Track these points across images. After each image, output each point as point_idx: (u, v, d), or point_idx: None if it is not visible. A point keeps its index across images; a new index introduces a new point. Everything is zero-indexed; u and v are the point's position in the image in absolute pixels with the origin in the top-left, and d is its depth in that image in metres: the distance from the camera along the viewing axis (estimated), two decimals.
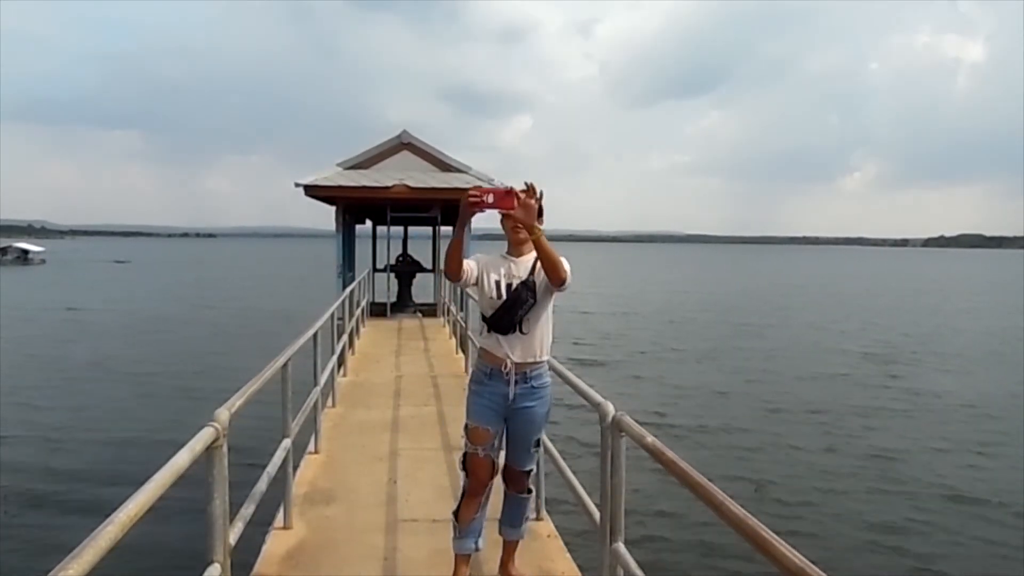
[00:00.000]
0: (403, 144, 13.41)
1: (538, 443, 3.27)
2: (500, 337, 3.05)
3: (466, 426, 3.15)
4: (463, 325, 9.60)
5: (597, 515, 2.76)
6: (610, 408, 2.58)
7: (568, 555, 3.73)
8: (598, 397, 2.72)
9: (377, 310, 14.72)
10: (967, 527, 8.16)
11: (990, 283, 63.06)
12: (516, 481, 3.29)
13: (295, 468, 4.57)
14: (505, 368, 3.04)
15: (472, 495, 3.18)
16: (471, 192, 2.75)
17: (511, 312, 3.01)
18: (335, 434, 6.05)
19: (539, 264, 2.98)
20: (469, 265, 3.04)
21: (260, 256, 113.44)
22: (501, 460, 3.23)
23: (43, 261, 70.89)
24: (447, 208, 13.78)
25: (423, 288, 16.50)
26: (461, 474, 3.23)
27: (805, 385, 16.20)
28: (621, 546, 2.50)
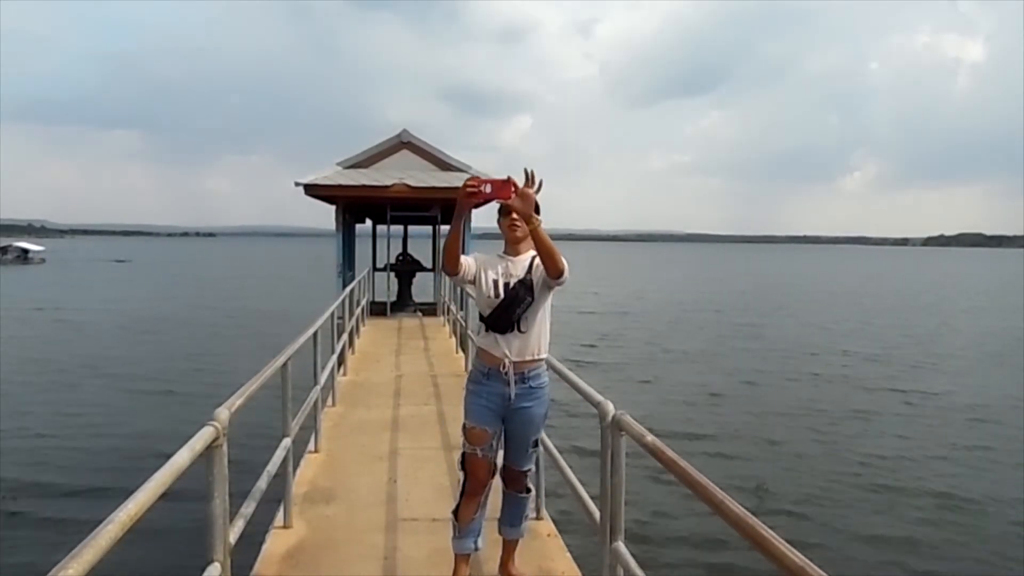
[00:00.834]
0: (403, 143, 13.41)
1: (536, 443, 3.27)
2: (498, 336, 3.04)
3: (464, 426, 3.15)
4: (463, 324, 9.60)
5: (597, 514, 2.76)
6: (610, 407, 2.57)
7: (568, 554, 3.73)
8: (598, 396, 2.72)
9: (377, 309, 14.73)
10: (966, 527, 8.16)
11: (990, 283, 63.05)
12: (515, 481, 3.29)
13: (295, 467, 4.57)
14: (504, 368, 3.03)
15: (471, 495, 3.18)
16: (468, 183, 2.73)
17: (509, 311, 3.01)
18: (335, 433, 6.05)
19: (536, 262, 2.98)
20: (467, 261, 3.04)
21: (260, 256, 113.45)
22: (500, 460, 3.23)
23: (43, 260, 70.90)
24: (447, 207, 13.77)
25: (423, 287, 16.50)
26: (460, 474, 3.23)
27: (805, 385, 16.20)
28: (621, 545, 2.50)
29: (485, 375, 3.09)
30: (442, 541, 3.73)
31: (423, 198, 12.47)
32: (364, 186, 12.03)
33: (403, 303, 15.22)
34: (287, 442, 3.88)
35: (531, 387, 3.08)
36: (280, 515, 4.05)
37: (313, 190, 11.84)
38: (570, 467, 3.58)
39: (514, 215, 2.97)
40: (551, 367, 3.26)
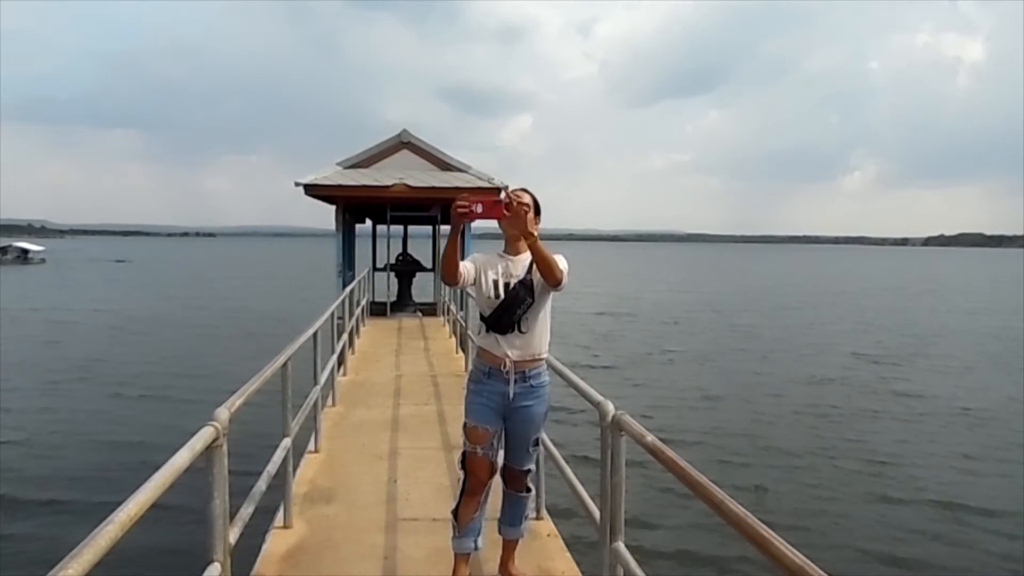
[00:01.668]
0: (403, 143, 13.41)
1: (537, 442, 3.27)
2: (499, 337, 3.04)
3: (465, 425, 3.15)
4: (463, 324, 9.59)
5: (597, 514, 2.76)
6: (610, 407, 2.58)
7: (568, 554, 3.73)
8: (598, 396, 2.72)
9: (377, 309, 14.73)
10: (966, 527, 8.16)
11: (990, 282, 63.03)
12: (515, 480, 3.29)
13: (295, 467, 4.57)
14: (504, 367, 3.04)
15: (471, 494, 3.18)
16: (459, 203, 2.72)
17: (509, 311, 3.01)
18: (335, 433, 6.05)
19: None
20: (466, 267, 3.04)
21: (260, 256, 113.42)
22: (500, 459, 3.23)
23: (43, 260, 70.90)
24: (447, 207, 13.76)
25: (423, 287, 16.50)
26: (460, 473, 3.23)
27: (804, 385, 16.19)
28: (621, 545, 2.50)
29: (486, 374, 3.09)
30: (442, 541, 3.73)
31: (423, 198, 12.47)
32: (364, 186, 12.03)
33: (403, 303, 15.22)
34: (287, 442, 3.88)
35: (532, 386, 3.09)
36: (280, 515, 4.05)
37: (313, 190, 11.84)
38: (570, 467, 3.58)
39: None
40: (551, 367, 3.26)
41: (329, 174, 12.44)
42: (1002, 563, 7.33)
